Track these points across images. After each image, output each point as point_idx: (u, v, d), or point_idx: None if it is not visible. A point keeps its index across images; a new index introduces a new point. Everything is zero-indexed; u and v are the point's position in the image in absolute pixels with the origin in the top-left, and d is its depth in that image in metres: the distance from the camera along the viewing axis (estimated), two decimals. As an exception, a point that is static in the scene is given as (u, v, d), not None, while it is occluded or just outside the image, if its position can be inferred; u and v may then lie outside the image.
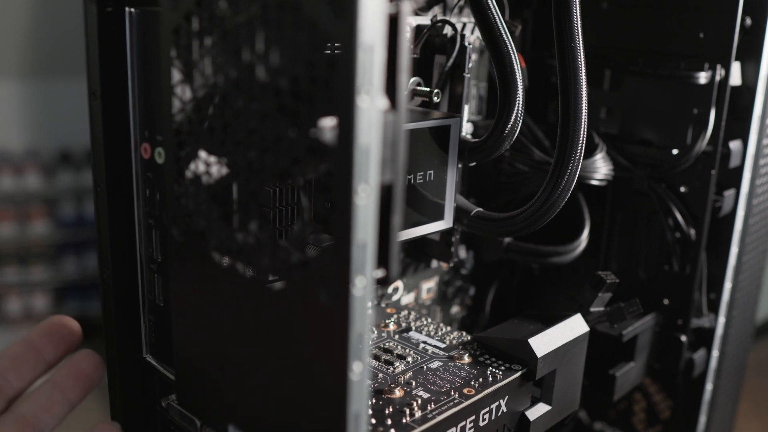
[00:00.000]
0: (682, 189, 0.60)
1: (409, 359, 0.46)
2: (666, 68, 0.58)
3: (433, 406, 0.41)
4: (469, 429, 0.42)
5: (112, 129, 0.42)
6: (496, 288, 0.69)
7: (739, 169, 0.59)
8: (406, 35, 0.29)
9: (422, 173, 0.47)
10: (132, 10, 0.40)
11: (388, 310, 0.54)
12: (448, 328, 0.51)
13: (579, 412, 0.70)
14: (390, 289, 0.58)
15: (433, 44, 0.53)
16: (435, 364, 0.46)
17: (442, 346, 0.48)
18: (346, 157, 0.27)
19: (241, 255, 0.34)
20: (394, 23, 0.29)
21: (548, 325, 0.47)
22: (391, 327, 0.51)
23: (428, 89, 0.51)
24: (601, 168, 0.59)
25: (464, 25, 0.55)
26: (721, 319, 0.62)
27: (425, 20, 0.52)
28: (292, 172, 0.30)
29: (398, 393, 0.42)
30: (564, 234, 0.61)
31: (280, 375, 0.34)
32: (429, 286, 0.62)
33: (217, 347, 0.37)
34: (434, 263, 0.62)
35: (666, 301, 0.62)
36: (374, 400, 0.41)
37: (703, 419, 0.65)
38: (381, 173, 0.29)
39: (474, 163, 0.54)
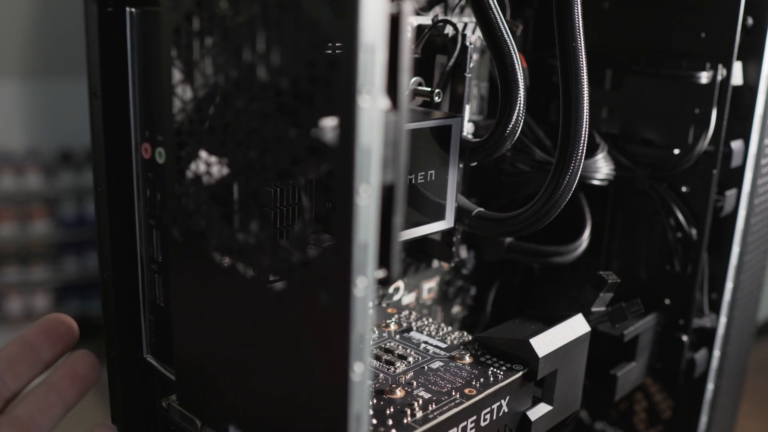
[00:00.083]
0: (684, 189, 0.60)
1: (410, 359, 0.46)
2: (667, 68, 0.58)
3: (434, 406, 0.41)
4: (471, 429, 0.42)
5: (113, 129, 0.42)
6: (498, 288, 0.69)
7: (741, 169, 0.59)
8: (408, 35, 0.29)
9: (423, 173, 0.47)
10: (132, 9, 0.40)
11: (389, 310, 0.53)
12: (449, 328, 0.51)
13: (580, 412, 0.70)
14: (391, 289, 0.58)
15: (434, 44, 0.53)
16: (436, 365, 0.46)
17: (443, 346, 0.48)
18: (348, 157, 0.27)
19: (242, 255, 0.34)
20: (395, 23, 0.29)
21: (549, 325, 0.47)
22: (392, 327, 0.51)
23: (429, 89, 0.51)
24: (602, 168, 0.58)
25: (465, 24, 0.55)
26: (723, 319, 0.62)
27: (426, 20, 0.52)
28: (292, 172, 0.30)
29: (399, 393, 0.42)
30: (565, 234, 0.61)
31: (281, 375, 0.34)
32: (430, 286, 0.62)
33: (218, 347, 0.37)
34: (435, 263, 0.62)
35: (667, 301, 0.62)
36: (375, 401, 0.41)
37: (704, 419, 0.64)
38: (382, 173, 0.29)
39: (475, 163, 0.54)
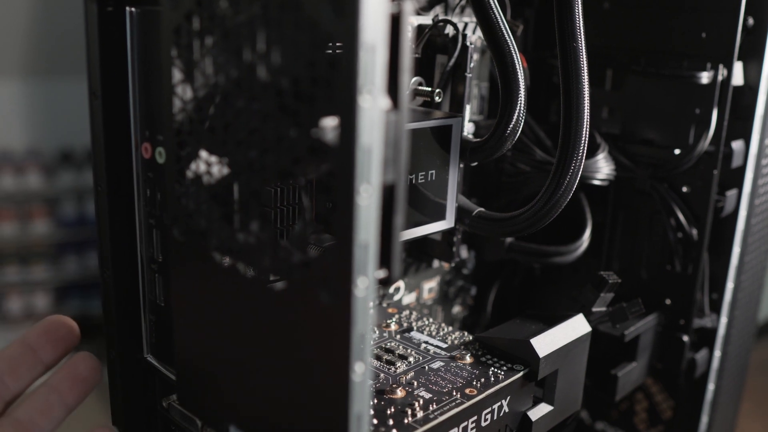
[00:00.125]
0: (684, 189, 0.60)
1: (411, 359, 0.46)
2: (668, 68, 0.58)
3: (435, 406, 0.41)
4: (471, 429, 0.42)
5: (113, 129, 0.42)
6: (498, 288, 0.69)
7: (742, 169, 0.59)
8: (408, 35, 0.29)
9: (424, 173, 0.47)
10: (133, 9, 0.40)
11: (390, 310, 0.53)
12: (450, 328, 0.51)
13: (581, 412, 0.70)
14: (391, 289, 0.58)
15: (434, 44, 0.53)
16: (437, 365, 0.46)
17: (444, 346, 0.48)
18: (348, 157, 0.27)
19: (242, 255, 0.34)
20: (395, 23, 0.29)
21: (550, 325, 0.47)
22: (393, 327, 0.51)
23: (430, 89, 0.51)
24: (603, 168, 0.58)
25: (466, 24, 0.55)
26: (723, 319, 0.62)
27: (427, 20, 0.52)
28: (293, 172, 0.30)
29: (400, 393, 0.42)
30: (566, 234, 0.61)
31: (282, 375, 0.34)
32: (430, 286, 0.62)
33: (219, 347, 0.37)
34: (436, 263, 0.62)
35: (668, 301, 0.62)
36: (376, 401, 0.41)
37: (705, 419, 0.64)
38: (383, 173, 0.29)
39: (476, 163, 0.53)
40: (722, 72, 0.56)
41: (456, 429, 0.41)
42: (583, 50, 0.46)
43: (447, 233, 0.56)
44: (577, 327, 0.48)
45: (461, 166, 0.50)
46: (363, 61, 0.26)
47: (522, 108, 0.47)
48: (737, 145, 0.58)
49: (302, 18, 0.28)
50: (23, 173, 2.20)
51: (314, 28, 0.28)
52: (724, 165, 0.58)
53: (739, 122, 0.58)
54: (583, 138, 0.46)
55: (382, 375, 0.44)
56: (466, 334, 0.50)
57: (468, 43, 0.51)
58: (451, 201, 0.49)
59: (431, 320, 0.52)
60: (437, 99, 0.50)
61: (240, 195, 0.34)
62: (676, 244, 0.61)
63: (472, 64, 0.52)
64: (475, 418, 0.42)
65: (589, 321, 0.49)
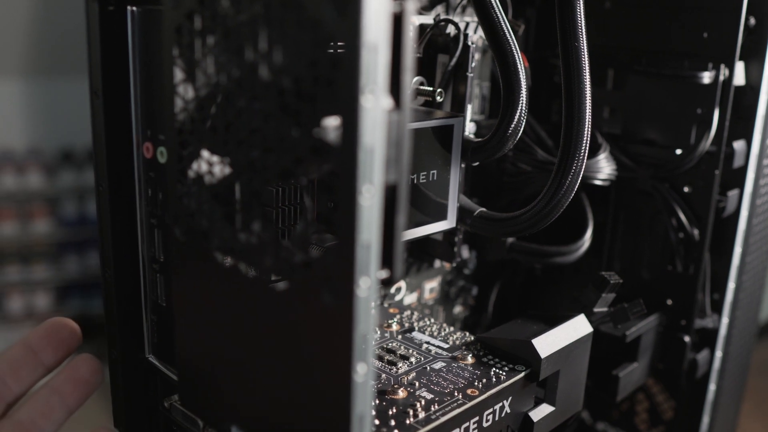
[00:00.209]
0: (686, 189, 0.60)
1: (413, 360, 0.46)
2: (669, 68, 0.58)
3: (436, 407, 0.40)
4: (473, 430, 0.42)
5: (114, 128, 0.41)
6: (499, 288, 0.68)
7: (743, 169, 0.59)
8: (410, 34, 0.29)
9: (425, 173, 0.47)
10: (134, 8, 0.40)
11: (391, 310, 0.53)
12: (451, 329, 0.51)
13: (582, 413, 0.70)
14: (393, 289, 0.58)
15: (436, 43, 0.53)
16: (438, 365, 0.46)
17: (446, 346, 0.48)
18: (350, 157, 0.27)
19: (244, 255, 0.34)
20: (398, 22, 0.29)
21: (552, 325, 0.47)
22: (394, 327, 0.51)
23: (431, 89, 0.51)
24: (604, 168, 0.58)
25: (467, 24, 0.55)
26: (725, 320, 0.62)
27: (428, 19, 0.52)
28: (295, 171, 0.30)
29: (402, 394, 0.42)
30: (567, 234, 0.61)
31: (284, 376, 0.33)
32: (432, 286, 0.62)
33: (220, 348, 0.37)
34: (437, 263, 0.62)
35: (669, 302, 0.62)
36: (377, 401, 0.41)
37: (706, 420, 0.64)
38: (385, 173, 0.28)
39: (477, 163, 0.53)
40: (724, 72, 0.56)
41: (458, 429, 0.41)
42: (585, 50, 0.46)
43: (448, 233, 0.56)
44: (578, 327, 0.48)
45: (463, 166, 0.50)
46: (365, 60, 0.26)
47: (523, 108, 0.47)
48: (739, 145, 0.58)
49: (304, 17, 0.28)
50: (24, 173, 2.20)
51: (316, 28, 0.28)
52: (726, 165, 0.58)
53: (741, 122, 0.58)
54: (585, 138, 0.46)
55: (383, 375, 0.44)
56: (467, 334, 0.50)
57: (469, 43, 0.51)
58: (453, 201, 0.49)
59: (433, 320, 0.52)
60: (439, 99, 0.50)
61: (242, 195, 0.34)
62: (678, 245, 0.61)
63: (473, 64, 0.52)
64: (476, 418, 0.42)
65: (590, 321, 0.49)
